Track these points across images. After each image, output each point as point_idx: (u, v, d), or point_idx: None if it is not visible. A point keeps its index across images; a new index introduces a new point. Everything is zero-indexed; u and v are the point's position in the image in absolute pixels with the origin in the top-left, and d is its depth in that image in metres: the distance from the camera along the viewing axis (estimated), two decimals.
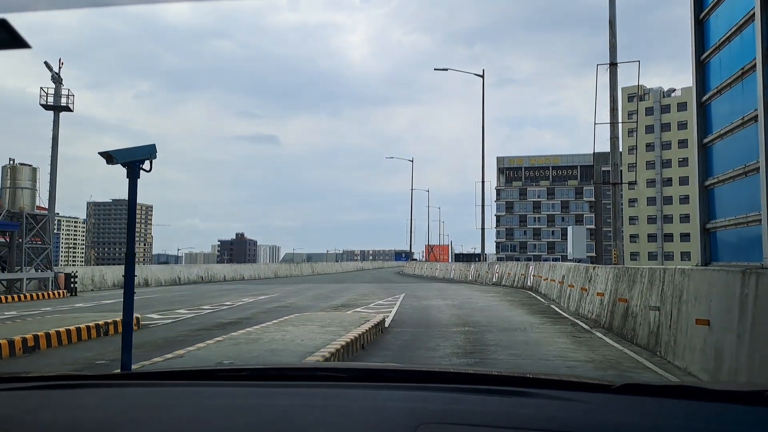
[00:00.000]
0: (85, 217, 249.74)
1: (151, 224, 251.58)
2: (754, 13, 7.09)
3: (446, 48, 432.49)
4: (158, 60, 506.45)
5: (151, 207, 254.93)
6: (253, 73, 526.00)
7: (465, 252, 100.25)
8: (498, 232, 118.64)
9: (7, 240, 24.10)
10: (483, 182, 37.85)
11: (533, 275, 24.72)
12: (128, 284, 5.67)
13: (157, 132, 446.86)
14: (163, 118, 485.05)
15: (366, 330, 9.88)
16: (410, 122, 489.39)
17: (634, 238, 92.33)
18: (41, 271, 25.34)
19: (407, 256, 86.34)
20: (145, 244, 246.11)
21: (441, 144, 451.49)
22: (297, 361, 6.81)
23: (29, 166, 25.25)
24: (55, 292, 24.56)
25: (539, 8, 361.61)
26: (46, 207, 29.64)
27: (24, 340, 9.43)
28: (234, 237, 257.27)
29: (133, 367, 6.27)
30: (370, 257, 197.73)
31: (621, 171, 17.93)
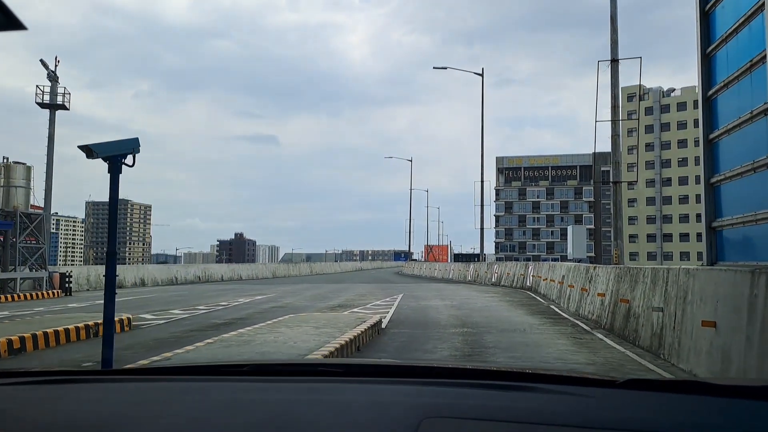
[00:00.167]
0: (83, 216, 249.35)
1: (150, 224, 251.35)
2: (763, 3, 6.82)
3: (446, 48, 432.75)
4: (158, 60, 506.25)
5: (150, 207, 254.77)
6: (252, 73, 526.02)
7: (464, 252, 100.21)
8: (497, 233, 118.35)
9: (1, 239, 23.83)
10: (482, 182, 37.63)
11: (532, 275, 24.48)
12: (109, 283, 5.41)
13: (156, 132, 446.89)
14: (163, 117, 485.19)
15: (362, 331, 9.64)
16: (410, 122, 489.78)
17: (633, 238, 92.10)
18: (36, 270, 25.06)
19: (406, 256, 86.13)
20: (143, 244, 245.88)
21: (441, 144, 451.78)
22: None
23: (23, 164, 24.99)
24: (50, 292, 24.30)
25: (539, 8, 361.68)
26: (42, 206, 29.43)
27: (9, 342, 9.16)
28: (233, 237, 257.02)
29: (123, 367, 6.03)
30: (370, 257, 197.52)
31: (621, 170, 17.67)
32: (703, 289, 7.09)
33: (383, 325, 12.09)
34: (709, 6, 8.62)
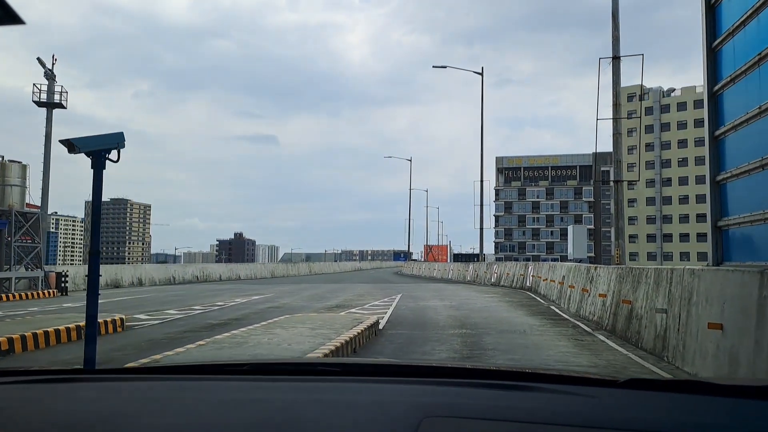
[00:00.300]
0: (83, 216, 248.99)
1: (149, 224, 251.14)
2: None
3: (446, 48, 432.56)
4: (158, 59, 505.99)
5: (150, 206, 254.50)
6: (252, 73, 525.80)
7: (464, 252, 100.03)
8: (497, 233, 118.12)
9: None
10: (482, 181, 37.40)
11: (532, 275, 24.27)
12: (92, 282, 5.19)
13: (156, 131, 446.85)
14: (163, 117, 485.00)
15: (358, 333, 9.42)
16: (410, 122, 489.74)
17: (633, 238, 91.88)
18: (31, 270, 24.83)
19: (406, 256, 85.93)
20: (143, 244, 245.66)
21: (440, 144, 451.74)
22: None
23: (19, 162, 24.74)
24: (46, 291, 24.07)
25: (539, 8, 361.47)
26: (39, 205, 29.17)
27: None
28: (233, 237, 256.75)
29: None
30: (369, 257, 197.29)
31: (622, 169, 17.45)
32: (709, 291, 6.88)
33: (381, 326, 11.87)
34: None
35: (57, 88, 34.01)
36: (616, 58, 14.95)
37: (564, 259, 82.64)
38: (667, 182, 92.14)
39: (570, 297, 15.75)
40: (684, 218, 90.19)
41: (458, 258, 78.32)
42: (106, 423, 1.20)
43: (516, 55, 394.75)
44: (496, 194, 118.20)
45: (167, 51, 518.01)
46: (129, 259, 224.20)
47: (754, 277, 5.69)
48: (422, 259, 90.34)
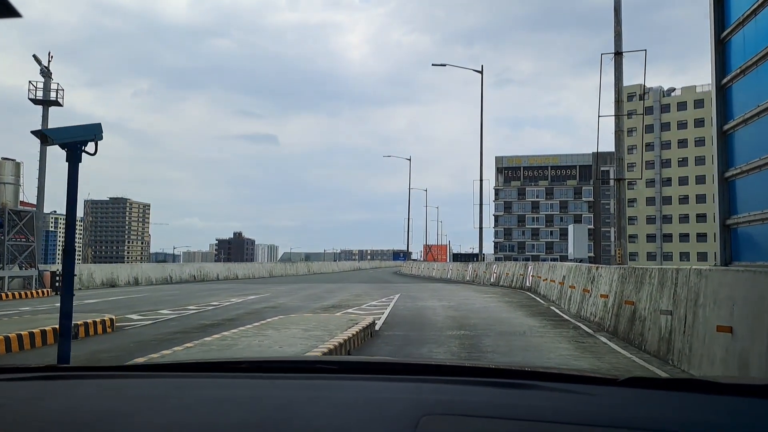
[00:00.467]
0: (82, 215, 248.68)
1: (148, 223, 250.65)
2: None
3: (446, 48, 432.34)
4: (157, 58, 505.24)
5: (149, 205, 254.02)
6: (252, 73, 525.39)
7: (463, 252, 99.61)
8: (496, 232, 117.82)
9: None
10: (481, 180, 37.13)
11: (532, 275, 24.00)
12: (67, 281, 4.92)
13: (155, 131, 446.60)
14: (162, 116, 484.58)
15: (353, 334, 9.13)
16: (409, 122, 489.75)
17: (632, 238, 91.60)
18: (25, 269, 24.53)
19: (405, 255, 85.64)
20: (142, 243, 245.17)
21: (440, 144, 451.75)
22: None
23: (12, 160, 24.43)
24: (40, 291, 23.78)
25: (539, 8, 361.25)
26: (35, 204, 28.85)
27: None
28: (232, 236, 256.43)
29: None
30: (369, 257, 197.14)
31: (624, 167, 17.14)
32: (717, 292, 6.59)
33: (377, 327, 11.59)
34: None
35: (53, 86, 33.77)
36: (618, 54, 14.62)
37: (564, 259, 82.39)
38: (667, 182, 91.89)
39: (570, 297, 15.47)
40: (684, 218, 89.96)
41: (457, 258, 77.97)
42: (102, 420, 1.18)
43: (516, 55, 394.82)
44: (496, 194, 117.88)
45: (167, 50, 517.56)
46: (128, 258, 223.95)
47: (766, 278, 5.41)
48: (422, 259, 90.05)
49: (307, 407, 1.20)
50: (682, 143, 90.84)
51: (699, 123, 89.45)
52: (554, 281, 18.88)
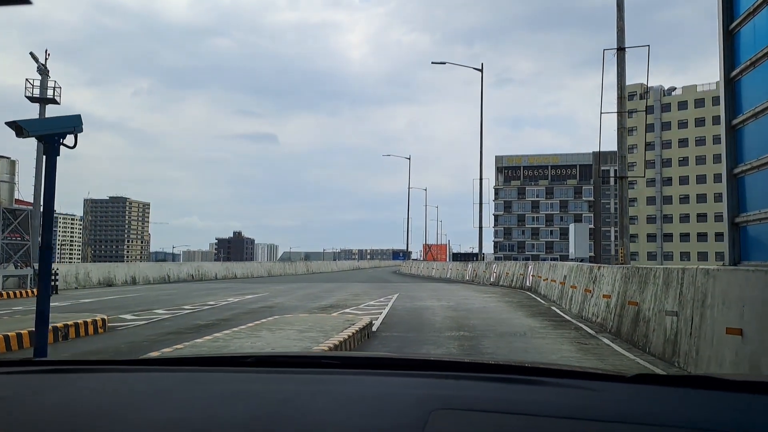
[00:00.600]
0: (82, 214, 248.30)
1: (148, 222, 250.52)
2: None
3: (446, 47, 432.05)
4: (157, 58, 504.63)
5: (149, 205, 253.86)
6: (252, 72, 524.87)
7: (463, 251, 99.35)
8: (496, 232, 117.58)
9: None
10: (480, 179, 36.87)
11: (532, 275, 23.76)
12: (44, 279, 4.69)
13: (155, 130, 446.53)
14: (162, 115, 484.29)
15: (349, 335, 8.89)
16: (409, 122, 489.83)
17: (633, 237, 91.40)
18: (20, 268, 24.28)
19: (405, 255, 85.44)
20: (142, 242, 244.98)
21: (440, 144, 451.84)
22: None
23: (7, 158, 24.21)
24: (35, 290, 23.49)
25: (539, 8, 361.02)
26: (31, 202, 28.58)
27: None
28: (232, 235, 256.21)
29: None
30: (368, 256, 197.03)
31: (626, 165, 16.87)
32: (726, 292, 6.34)
33: (374, 328, 11.35)
34: None
35: (50, 83, 33.51)
36: (621, 50, 14.33)
37: (564, 258, 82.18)
38: (668, 181, 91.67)
39: (572, 297, 15.23)
40: (684, 218, 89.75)
41: (457, 257, 77.73)
42: (108, 413, 1.17)
43: (516, 55, 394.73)
44: (496, 193, 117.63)
45: (167, 49, 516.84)
46: (128, 257, 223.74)
47: None
48: (421, 259, 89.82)
49: (314, 401, 1.19)
50: (683, 142, 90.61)
51: (700, 122, 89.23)
52: (555, 281, 18.63)
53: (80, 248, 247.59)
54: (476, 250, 42.37)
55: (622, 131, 15.09)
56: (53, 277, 24.84)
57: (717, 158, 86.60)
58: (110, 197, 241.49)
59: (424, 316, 14.09)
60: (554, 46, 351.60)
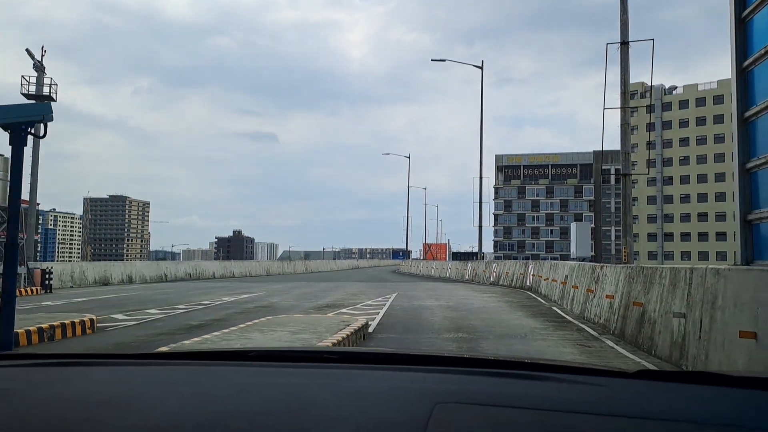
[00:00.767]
0: (81, 213, 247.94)
1: (148, 221, 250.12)
2: None
3: (446, 47, 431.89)
4: (157, 57, 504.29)
5: (149, 203, 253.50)
6: (252, 71, 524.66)
7: (463, 251, 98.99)
8: (496, 231, 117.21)
9: None
10: (480, 177, 36.55)
11: (533, 275, 23.44)
12: (10, 276, 4.37)
13: (155, 129, 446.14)
14: (162, 114, 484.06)
15: (344, 337, 8.57)
16: (409, 121, 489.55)
17: (634, 237, 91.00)
18: None
19: (404, 254, 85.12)
20: (142, 241, 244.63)
21: (440, 143, 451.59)
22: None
23: (1, 156, 23.89)
24: (29, 289, 23.22)
25: (539, 8, 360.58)
26: (28, 200, 28.26)
27: None
28: (231, 234, 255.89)
29: None
30: (368, 256, 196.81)
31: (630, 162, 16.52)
32: (738, 294, 6.02)
33: (370, 329, 11.03)
34: None
35: (46, 81, 33.18)
36: (624, 44, 13.98)
37: (564, 257, 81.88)
38: (668, 181, 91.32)
39: (573, 298, 14.91)
40: (685, 217, 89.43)
41: (457, 256, 77.45)
42: (112, 405, 1.16)
43: (516, 55, 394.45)
44: (496, 192, 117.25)
45: (167, 48, 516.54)
46: (127, 256, 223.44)
47: None
48: (421, 258, 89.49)
49: (320, 395, 1.19)
50: (684, 141, 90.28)
51: (701, 121, 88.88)
52: (556, 281, 18.32)
53: (80, 247, 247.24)
54: (476, 250, 42.05)
55: (626, 127, 14.75)
56: (47, 276, 24.55)
57: (718, 157, 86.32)
58: (110, 196, 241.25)
59: (423, 316, 13.77)
60: (554, 45, 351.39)
